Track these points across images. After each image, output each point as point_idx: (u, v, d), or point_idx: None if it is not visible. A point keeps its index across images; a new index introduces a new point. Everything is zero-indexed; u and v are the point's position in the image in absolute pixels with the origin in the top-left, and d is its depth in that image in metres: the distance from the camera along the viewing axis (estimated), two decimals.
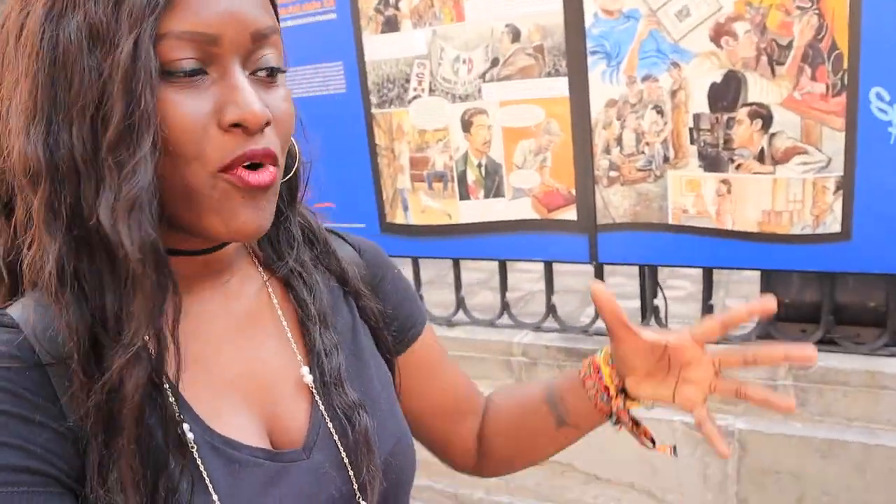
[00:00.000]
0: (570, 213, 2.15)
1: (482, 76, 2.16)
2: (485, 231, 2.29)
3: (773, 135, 1.87)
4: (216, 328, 0.69)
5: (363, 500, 0.70)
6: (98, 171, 0.54)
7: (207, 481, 0.61)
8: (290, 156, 0.74)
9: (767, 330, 2.20)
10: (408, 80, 2.27)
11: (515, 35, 2.09)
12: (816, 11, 1.75)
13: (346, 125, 2.41)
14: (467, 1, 2.12)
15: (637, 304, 2.38)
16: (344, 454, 0.70)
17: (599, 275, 2.33)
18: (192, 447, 0.61)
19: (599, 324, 2.37)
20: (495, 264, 2.49)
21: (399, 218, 2.42)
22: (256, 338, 0.71)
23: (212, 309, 0.69)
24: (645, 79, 1.97)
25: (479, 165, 2.24)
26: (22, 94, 0.56)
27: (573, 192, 2.13)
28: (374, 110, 2.35)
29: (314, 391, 0.71)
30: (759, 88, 1.86)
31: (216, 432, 0.63)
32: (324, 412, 0.71)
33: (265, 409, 0.69)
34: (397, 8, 2.23)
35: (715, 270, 2.23)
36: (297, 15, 2.38)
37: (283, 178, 0.71)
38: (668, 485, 2.27)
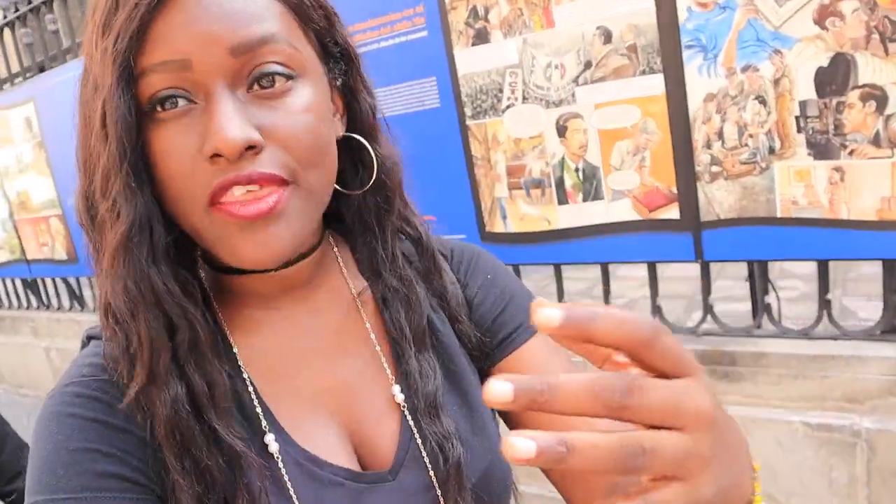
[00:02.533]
0: (673, 212, 2.05)
1: (575, 80, 2.09)
2: (585, 235, 2.22)
3: (888, 117, 1.73)
4: (302, 343, 0.67)
5: None
6: (97, 219, 0.58)
7: (292, 493, 0.60)
8: (367, 168, 0.70)
9: (893, 323, 2.04)
10: (501, 90, 2.23)
11: (607, 37, 2.02)
12: None
13: (442, 138, 2.38)
14: (557, 7, 2.07)
15: (748, 305, 2.26)
16: (434, 477, 0.66)
17: (706, 275, 2.22)
18: (278, 458, 0.60)
19: (707, 325, 2.25)
20: (598, 273, 2.40)
21: (498, 227, 2.37)
22: (345, 353, 0.69)
23: (297, 323, 0.67)
24: (745, 69, 1.86)
25: (577, 170, 2.17)
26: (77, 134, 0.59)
27: (674, 190, 2.03)
28: (468, 122, 2.32)
29: (405, 411, 0.68)
30: (871, 69, 1.73)
31: (301, 447, 0.62)
32: (415, 433, 0.68)
33: (353, 427, 0.67)
34: (486, 20, 2.19)
35: (831, 268, 2.09)
36: (388, 36, 2.38)
37: (360, 189, 0.69)
38: (791, 489, 2.12)
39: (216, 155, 0.54)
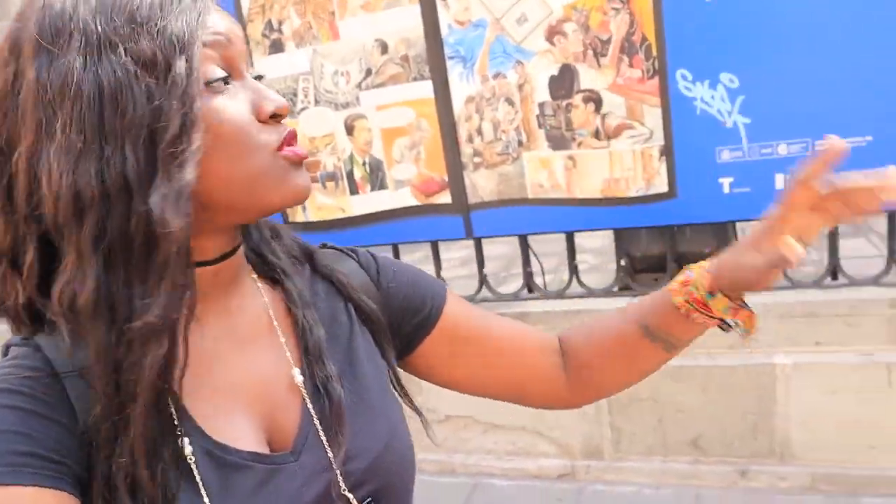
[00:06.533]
0: (445, 197, 2.35)
1: (359, 85, 2.33)
2: (375, 221, 2.47)
3: (604, 115, 2.11)
4: (217, 338, 0.69)
5: (350, 494, 0.69)
6: (151, 175, 0.57)
7: (200, 485, 0.62)
8: None
9: (625, 282, 2.44)
10: (295, 94, 2.43)
11: (384, 48, 2.27)
12: (627, 11, 2.00)
13: None
14: (341, 21, 2.29)
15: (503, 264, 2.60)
16: (331, 454, 0.69)
17: (479, 251, 2.54)
18: (188, 452, 0.62)
19: (483, 293, 2.57)
20: (390, 254, 2.66)
21: (299, 216, 2.57)
22: (255, 346, 0.71)
23: (214, 320, 0.69)
24: (496, 76, 2.18)
25: (364, 163, 2.41)
26: (65, 138, 0.57)
27: (445, 178, 2.33)
28: None
29: (304, 392, 0.70)
30: (589, 77, 2.09)
31: (211, 437, 0.64)
32: (312, 412, 0.69)
33: (265, 413, 0.68)
34: (280, 31, 2.38)
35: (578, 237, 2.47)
36: None
37: None
38: (552, 423, 2.49)
39: (276, 115, 0.64)
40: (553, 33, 2.08)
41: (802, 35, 1.88)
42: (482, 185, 2.30)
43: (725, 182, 2.07)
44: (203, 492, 0.61)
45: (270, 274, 0.76)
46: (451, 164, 2.31)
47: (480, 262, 2.56)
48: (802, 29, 1.88)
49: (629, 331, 0.80)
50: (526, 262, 2.55)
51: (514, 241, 2.55)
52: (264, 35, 2.40)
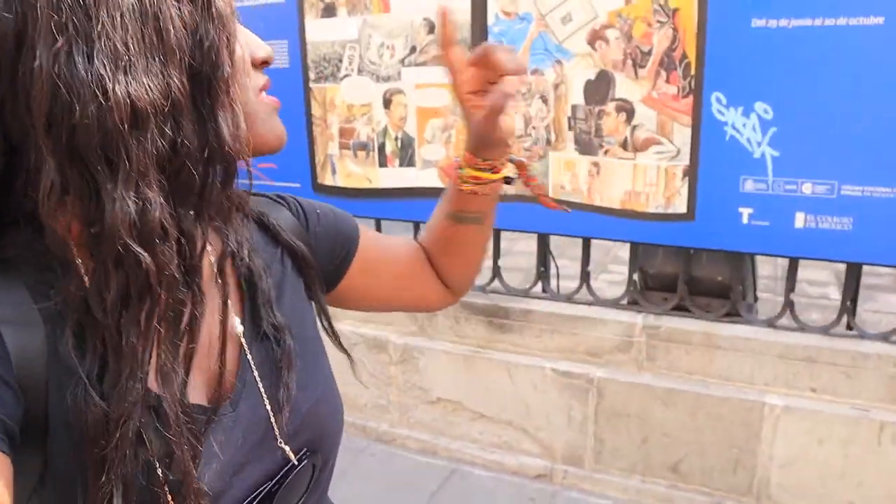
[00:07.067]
0: None
1: (402, 61, 2.36)
2: (399, 196, 2.50)
3: (634, 126, 2.09)
4: None
5: (285, 445, 0.70)
6: (205, 109, 0.57)
7: (144, 439, 0.59)
8: None
9: (635, 297, 2.42)
10: (340, 60, 2.47)
11: (431, 28, 2.29)
12: (672, 26, 1.97)
13: (288, 96, 2.59)
14: None
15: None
16: (268, 405, 0.69)
17: (497, 242, 2.55)
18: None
19: (496, 284, 2.58)
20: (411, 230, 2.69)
21: (328, 180, 2.62)
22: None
23: None
24: (534, 72, 2.18)
25: (396, 138, 2.44)
26: (109, 42, 0.52)
27: None
28: (311, 84, 2.54)
29: (243, 341, 0.70)
30: (625, 86, 2.07)
31: (151, 390, 0.60)
32: (251, 362, 0.70)
33: (200, 363, 0.66)
34: None
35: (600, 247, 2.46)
36: None
37: None
38: (538, 423, 2.49)
39: (265, 62, 0.68)
40: (595, 37, 2.07)
41: (844, 77, 1.83)
42: None
43: (745, 212, 2.03)
44: (148, 445, 0.59)
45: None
46: None
47: (496, 254, 2.57)
48: (845, 71, 1.82)
49: (445, 225, 0.91)
50: (541, 261, 2.55)
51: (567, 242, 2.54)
52: None
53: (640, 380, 2.32)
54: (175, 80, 0.55)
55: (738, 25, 1.89)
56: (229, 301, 0.69)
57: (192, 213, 0.58)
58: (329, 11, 2.44)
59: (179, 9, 0.55)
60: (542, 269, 2.55)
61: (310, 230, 0.84)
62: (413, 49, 2.33)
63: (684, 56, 1.98)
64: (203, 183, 0.58)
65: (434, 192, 2.42)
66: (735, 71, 1.93)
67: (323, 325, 0.84)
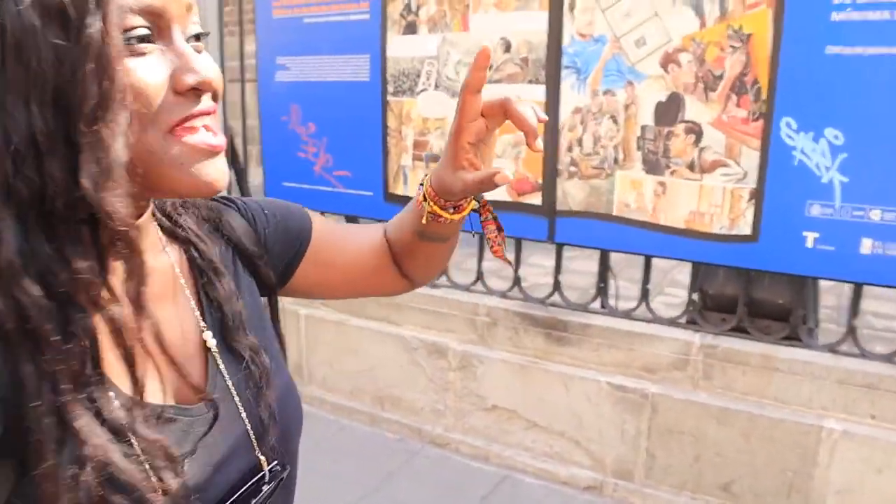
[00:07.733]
0: (536, 199, 2.43)
1: None
2: None
3: (702, 148, 2.14)
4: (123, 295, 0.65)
5: (260, 446, 0.72)
6: (73, 146, 0.53)
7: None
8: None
9: (693, 317, 2.45)
10: (419, 76, 2.58)
11: (507, 47, 2.38)
12: (745, 51, 2.02)
13: (367, 108, 2.71)
14: (473, 15, 2.42)
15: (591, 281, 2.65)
16: (240, 406, 0.71)
17: (559, 256, 2.61)
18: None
19: (555, 298, 2.64)
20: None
21: (400, 189, 2.72)
22: (162, 304, 0.69)
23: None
24: (605, 92, 2.25)
25: None
26: None
27: (540, 181, 2.41)
28: (389, 97, 2.66)
29: (211, 348, 0.71)
30: (695, 109, 2.13)
31: (125, 393, 0.60)
32: (221, 367, 0.71)
33: (167, 370, 0.67)
34: (417, 15, 2.53)
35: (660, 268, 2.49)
36: (337, 13, 2.69)
37: None
38: (590, 435, 2.53)
39: (195, 88, 0.59)
40: (668, 61, 2.13)
41: None
42: (572, 194, 2.37)
43: (810, 236, 2.05)
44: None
45: (175, 233, 0.75)
46: (547, 168, 2.39)
47: (558, 268, 2.63)
48: None
49: (410, 238, 0.89)
50: (601, 277, 2.60)
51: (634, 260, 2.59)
52: (402, 15, 2.56)
53: (695, 398, 2.34)
54: (38, 119, 0.52)
55: (812, 52, 1.94)
56: (196, 310, 0.73)
57: (56, 249, 0.55)
58: (411, 28, 2.55)
59: (47, 39, 0.52)
60: (602, 284, 2.60)
61: (258, 230, 0.86)
62: (489, 67, 2.42)
63: (756, 81, 2.03)
64: (67, 220, 0.55)
65: (499, 206, 2.50)
66: (806, 97, 1.97)
67: (272, 318, 0.86)
